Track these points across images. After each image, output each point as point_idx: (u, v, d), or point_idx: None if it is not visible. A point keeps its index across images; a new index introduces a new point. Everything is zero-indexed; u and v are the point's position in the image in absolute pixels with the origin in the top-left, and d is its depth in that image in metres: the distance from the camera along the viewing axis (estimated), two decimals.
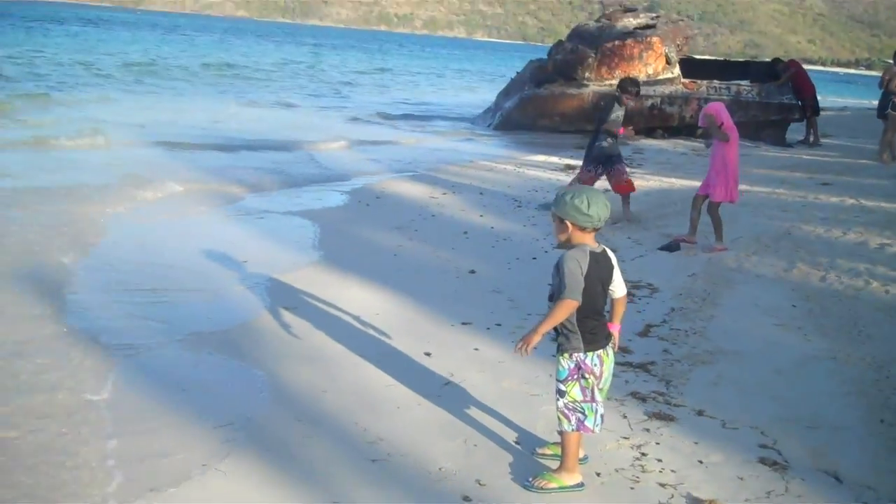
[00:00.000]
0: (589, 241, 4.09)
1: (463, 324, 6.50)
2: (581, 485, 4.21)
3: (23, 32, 48.13)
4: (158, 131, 16.22)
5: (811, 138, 21.03)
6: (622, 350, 6.00)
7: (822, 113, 21.70)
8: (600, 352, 4.16)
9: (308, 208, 10.57)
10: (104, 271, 7.30)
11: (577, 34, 22.41)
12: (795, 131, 21.24)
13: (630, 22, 22.06)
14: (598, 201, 4.04)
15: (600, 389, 4.20)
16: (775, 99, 21.15)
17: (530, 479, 4.25)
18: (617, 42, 20.91)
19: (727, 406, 5.16)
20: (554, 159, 15.84)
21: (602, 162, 10.37)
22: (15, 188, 10.12)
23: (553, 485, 4.19)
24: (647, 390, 5.38)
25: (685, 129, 21.03)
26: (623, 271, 6.94)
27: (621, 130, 10.37)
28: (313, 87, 33.02)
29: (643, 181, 12.90)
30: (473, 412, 5.00)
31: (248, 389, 5.22)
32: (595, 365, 4.14)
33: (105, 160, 12.69)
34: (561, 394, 4.19)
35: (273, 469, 4.26)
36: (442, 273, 7.91)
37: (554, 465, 4.32)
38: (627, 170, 10.91)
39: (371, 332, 6.25)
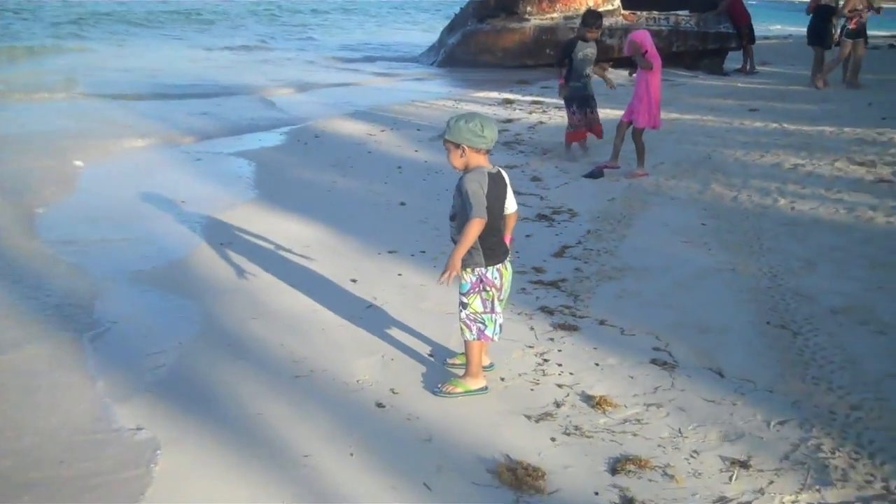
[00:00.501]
0: (484, 162, 4.43)
1: (389, 252, 6.85)
2: (485, 388, 4.61)
3: None
4: (110, 81, 16.22)
5: (748, 66, 21.46)
6: (536, 270, 6.40)
7: (766, 41, 22.02)
8: (499, 266, 4.52)
9: (247, 149, 10.79)
10: (52, 220, 7.52)
11: None
12: (734, 60, 21.59)
13: None
14: (490, 123, 4.38)
15: (500, 301, 4.57)
16: (713, 28, 21.50)
17: (439, 386, 4.64)
18: None
19: (627, 316, 5.58)
20: (493, 94, 16.09)
21: (579, 103, 10.24)
22: None
23: (459, 389, 4.59)
24: (556, 304, 5.78)
25: (624, 63, 21.29)
26: (546, 199, 7.35)
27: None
28: (273, 31, 32.76)
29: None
30: (393, 331, 5.36)
31: (181, 319, 5.54)
32: (495, 278, 4.50)
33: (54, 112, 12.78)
34: (463, 306, 4.55)
35: (201, 389, 4.60)
36: (373, 206, 8.23)
37: (462, 373, 4.70)
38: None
39: (301, 262, 6.58)
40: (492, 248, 4.45)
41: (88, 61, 19.69)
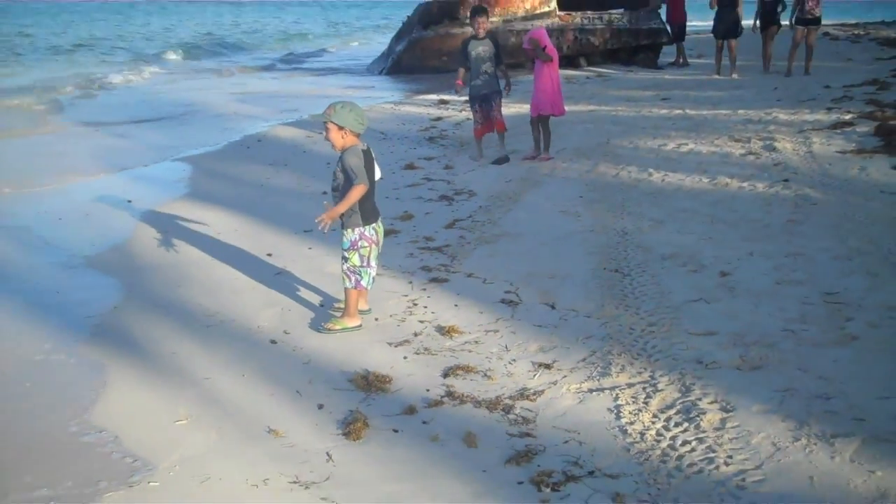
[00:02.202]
0: (357, 141, 5.54)
1: (304, 231, 7.93)
2: (359, 326, 5.71)
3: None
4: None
5: (680, 60, 22.67)
6: (426, 239, 7.52)
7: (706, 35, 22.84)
8: (374, 224, 5.64)
9: (191, 154, 11.87)
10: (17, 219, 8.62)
11: None
12: (670, 54, 22.84)
13: None
14: (355, 109, 5.49)
15: (376, 257, 5.68)
16: (645, 25, 22.76)
17: (322, 325, 5.74)
18: None
19: (492, 270, 6.69)
20: (431, 96, 17.20)
21: (479, 101, 10.67)
22: None
23: (337, 327, 5.69)
24: (435, 264, 6.89)
25: (562, 60, 22.44)
26: (452, 183, 8.46)
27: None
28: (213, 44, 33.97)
29: (508, 109, 14.29)
30: (295, 291, 6.45)
31: (117, 289, 6.63)
32: (372, 234, 5.61)
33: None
34: (344, 259, 5.66)
35: (130, 338, 5.68)
36: (298, 196, 9.33)
37: (340, 315, 5.81)
38: (502, 107, 10.91)
39: (226, 242, 7.67)
40: (368, 210, 5.57)
41: None
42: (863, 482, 3.65)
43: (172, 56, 31.12)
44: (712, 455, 3.94)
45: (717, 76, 18.23)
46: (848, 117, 11.48)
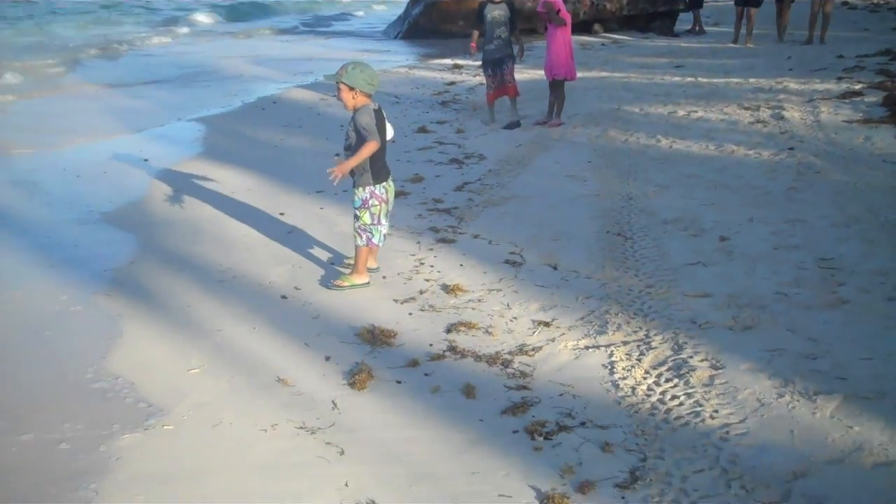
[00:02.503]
0: (369, 101, 5.70)
1: (317, 192, 8.11)
2: (367, 283, 5.91)
3: None
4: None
5: (696, 27, 22.64)
6: (435, 201, 7.70)
7: (725, 2, 22.84)
8: (384, 183, 5.81)
9: (208, 115, 12.06)
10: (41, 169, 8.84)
11: None
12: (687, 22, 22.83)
13: None
14: (375, 74, 5.65)
15: (386, 214, 5.86)
16: None
17: (331, 282, 5.94)
18: None
19: (498, 232, 6.86)
20: (446, 60, 17.29)
21: (492, 65, 10.72)
22: None
23: (346, 284, 5.89)
24: (444, 225, 7.07)
25: (578, 26, 22.46)
26: (462, 146, 8.61)
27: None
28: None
29: (520, 74, 14.41)
30: (306, 248, 6.65)
31: (133, 244, 6.85)
32: (382, 193, 5.79)
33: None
34: (356, 218, 5.84)
35: (145, 291, 5.90)
36: (313, 156, 9.50)
37: (350, 271, 6.01)
38: (514, 72, 10.93)
39: (240, 200, 7.86)
40: (379, 169, 5.73)
41: None
42: (840, 436, 3.84)
43: (201, 18, 31.30)
44: (699, 409, 4.13)
45: (732, 44, 18.22)
46: (858, 87, 11.54)
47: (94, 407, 4.35)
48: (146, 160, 9.37)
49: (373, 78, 5.58)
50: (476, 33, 10.70)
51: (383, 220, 5.83)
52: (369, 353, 4.88)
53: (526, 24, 14.78)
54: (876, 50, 15.29)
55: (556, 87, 10.56)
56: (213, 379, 4.63)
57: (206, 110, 12.57)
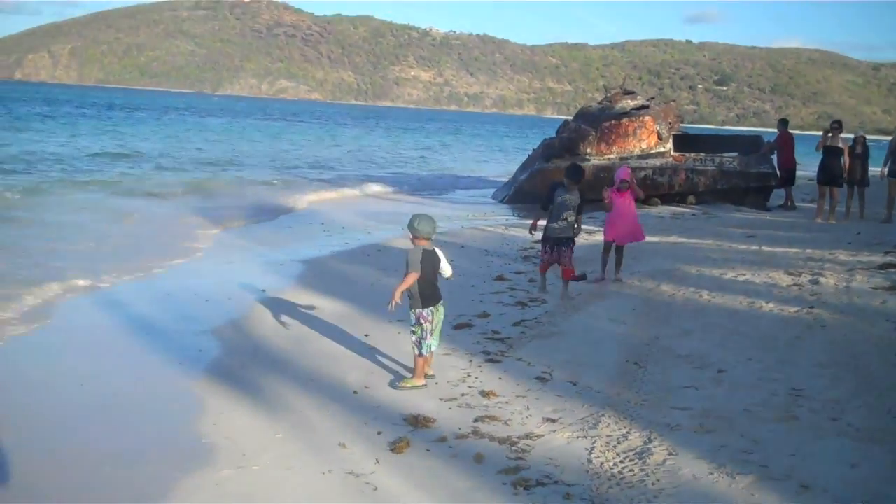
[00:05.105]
0: (425, 244, 7.46)
1: (398, 321, 9.80)
2: (424, 385, 7.49)
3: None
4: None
5: (788, 203, 23.97)
6: (494, 332, 9.28)
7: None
8: (432, 307, 7.49)
9: (319, 255, 14.11)
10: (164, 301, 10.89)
11: (582, 115, 25.98)
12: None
13: (627, 103, 25.40)
14: (426, 221, 7.43)
15: (433, 332, 7.51)
16: (754, 168, 24.17)
17: (396, 383, 7.57)
18: (614, 121, 24.25)
19: (538, 357, 8.36)
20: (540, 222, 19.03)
21: (552, 244, 10.98)
22: None
23: (407, 385, 7.50)
24: (495, 350, 8.64)
25: (675, 196, 24.15)
26: (530, 292, 10.15)
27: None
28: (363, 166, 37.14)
29: (590, 237, 16.02)
30: (380, 360, 8.30)
31: (242, 352, 8.65)
32: (430, 314, 7.47)
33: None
34: (412, 333, 7.52)
35: (245, 383, 7.65)
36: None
37: (411, 376, 7.62)
38: (572, 255, 11.05)
39: (332, 323, 9.62)
40: (427, 296, 7.44)
41: None
42: (743, 501, 5.18)
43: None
44: (645, 478, 5.52)
45: (818, 220, 19.38)
46: None
47: (200, 453, 6.03)
48: (263, 290, 11.28)
49: (419, 224, 7.32)
50: (539, 213, 11.27)
51: (431, 336, 7.44)
52: (411, 431, 6.43)
53: (592, 194, 15.30)
54: None
55: (617, 248, 12.09)
56: (291, 441, 6.27)
57: (318, 250, 14.62)
